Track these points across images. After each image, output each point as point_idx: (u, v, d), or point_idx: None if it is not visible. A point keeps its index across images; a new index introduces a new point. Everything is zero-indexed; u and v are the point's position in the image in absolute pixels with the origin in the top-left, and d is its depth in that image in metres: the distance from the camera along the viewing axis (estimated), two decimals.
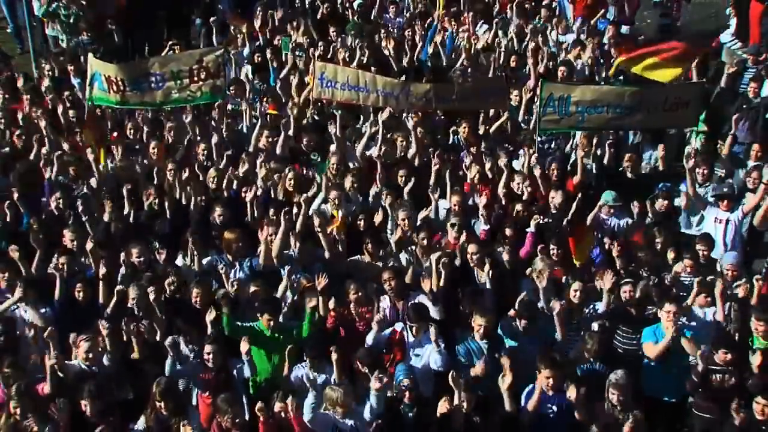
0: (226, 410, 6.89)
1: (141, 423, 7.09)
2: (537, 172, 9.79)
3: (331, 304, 8.01)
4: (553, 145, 11.11)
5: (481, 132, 11.18)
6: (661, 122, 10.57)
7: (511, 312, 7.96)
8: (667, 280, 8.45)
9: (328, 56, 12.73)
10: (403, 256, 8.98)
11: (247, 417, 7.33)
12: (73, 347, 7.55)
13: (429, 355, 7.64)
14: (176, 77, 10.80)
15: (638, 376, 7.71)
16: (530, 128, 10.87)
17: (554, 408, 7.20)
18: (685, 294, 8.32)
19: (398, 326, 7.89)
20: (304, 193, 9.60)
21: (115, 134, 11.28)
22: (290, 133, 11.00)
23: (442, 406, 7.03)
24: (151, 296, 7.90)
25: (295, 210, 9.20)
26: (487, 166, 10.19)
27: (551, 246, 8.74)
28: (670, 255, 8.90)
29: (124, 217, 9.41)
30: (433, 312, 8.01)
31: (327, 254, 8.79)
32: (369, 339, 7.79)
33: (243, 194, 9.58)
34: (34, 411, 6.79)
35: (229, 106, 11.62)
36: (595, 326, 8.04)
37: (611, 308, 8.13)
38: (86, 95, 11.11)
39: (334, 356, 7.31)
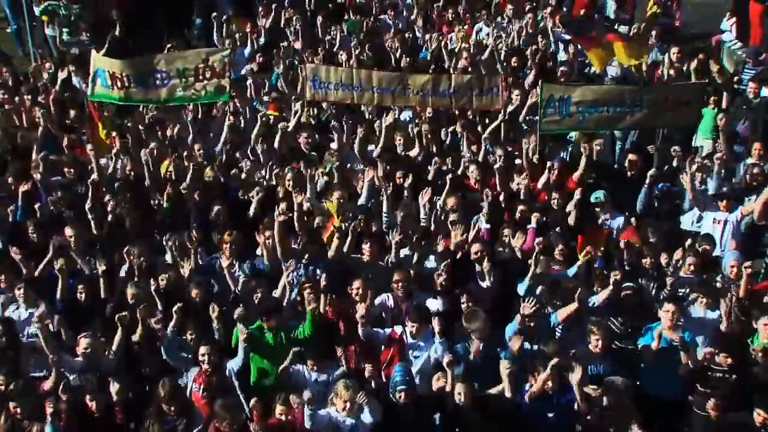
0: (225, 417, 6.84)
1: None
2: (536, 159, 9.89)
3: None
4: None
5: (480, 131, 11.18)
6: (663, 121, 10.57)
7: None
8: (668, 281, 8.43)
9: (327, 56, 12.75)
10: (403, 252, 8.94)
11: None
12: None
13: (430, 353, 7.65)
14: (181, 75, 10.79)
15: (636, 374, 7.75)
16: (532, 129, 10.87)
17: (555, 408, 7.18)
18: (685, 291, 8.31)
19: (398, 329, 7.88)
20: (303, 191, 9.61)
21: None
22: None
23: (439, 381, 7.20)
24: (152, 286, 7.95)
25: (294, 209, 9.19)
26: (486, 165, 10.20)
27: (558, 246, 8.74)
28: (676, 255, 8.86)
29: (133, 213, 9.40)
30: (437, 304, 8.02)
31: (331, 251, 8.73)
32: (360, 333, 7.76)
33: (243, 195, 9.59)
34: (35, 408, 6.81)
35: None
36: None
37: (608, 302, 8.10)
38: (88, 92, 11.11)
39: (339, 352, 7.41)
